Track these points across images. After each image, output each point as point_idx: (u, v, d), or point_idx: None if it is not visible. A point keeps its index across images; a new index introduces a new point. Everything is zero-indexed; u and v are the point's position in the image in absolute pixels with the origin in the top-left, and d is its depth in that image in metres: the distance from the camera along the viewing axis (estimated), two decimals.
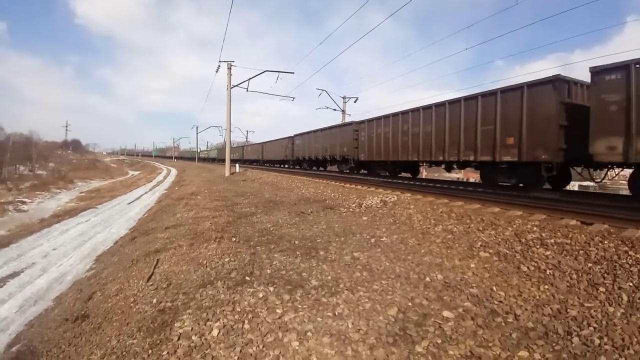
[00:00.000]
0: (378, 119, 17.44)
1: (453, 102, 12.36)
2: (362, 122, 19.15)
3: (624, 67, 7.50)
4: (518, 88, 9.92)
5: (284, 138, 33.68)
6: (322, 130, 24.88)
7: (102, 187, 37.70)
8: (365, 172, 20.80)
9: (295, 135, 30.26)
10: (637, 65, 7.31)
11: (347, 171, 21.56)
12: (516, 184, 10.67)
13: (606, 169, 9.63)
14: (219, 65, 26.05)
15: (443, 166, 13.97)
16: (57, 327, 5.33)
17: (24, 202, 24.93)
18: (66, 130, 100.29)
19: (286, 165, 33.78)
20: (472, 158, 11.66)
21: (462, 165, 13.07)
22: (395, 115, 15.97)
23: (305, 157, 27.84)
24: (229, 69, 25.55)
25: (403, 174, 17.90)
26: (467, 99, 11.72)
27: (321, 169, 27.17)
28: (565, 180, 11.03)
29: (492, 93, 10.71)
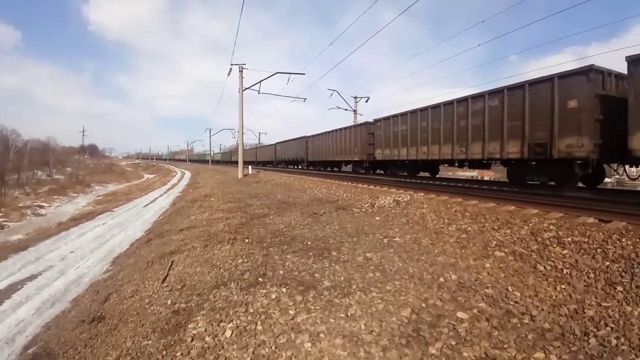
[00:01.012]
0: (395, 116, 16.91)
1: (476, 97, 11.86)
2: (378, 120, 18.63)
3: None
4: (548, 80, 9.35)
5: (297, 139, 33.49)
6: (336, 131, 24.78)
7: (119, 190, 38.31)
8: (381, 172, 20.44)
9: (309, 136, 30.16)
10: None
11: (363, 171, 21.23)
12: (546, 182, 10.21)
13: None
14: (231, 69, 26.23)
15: (466, 164, 13.36)
16: (73, 329, 5.42)
17: (42, 206, 25.48)
18: (83, 135, 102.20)
19: (299, 167, 33.67)
20: (497, 156, 11.14)
21: (487, 163, 12.48)
22: (413, 112, 15.44)
23: (319, 158, 27.73)
24: (241, 72, 25.69)
25: (421, 174, 17.55)
26: (492, 93, 11.18)
27: (335, 169, 27.04)
28: (600, 177, 10.47)
29: (520, 86, 10.19)
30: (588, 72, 8.51)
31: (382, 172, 20.44)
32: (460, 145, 12.58)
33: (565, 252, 4.80)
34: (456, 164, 13.89)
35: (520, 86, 10.18)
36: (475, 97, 11.90)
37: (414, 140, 15.29)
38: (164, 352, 3.33)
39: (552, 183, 10.10)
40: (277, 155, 40.38)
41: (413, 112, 15.46)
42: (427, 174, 17.37)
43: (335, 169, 27.21)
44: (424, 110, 14.69)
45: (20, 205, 24.63)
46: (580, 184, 10.34)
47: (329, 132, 25.92)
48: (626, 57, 7.64)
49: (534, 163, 10.37)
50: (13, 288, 8.98)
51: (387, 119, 17.68)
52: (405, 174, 17.29)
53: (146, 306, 4.78)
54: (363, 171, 21.31)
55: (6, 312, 7.60)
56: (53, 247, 13.19)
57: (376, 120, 18.95)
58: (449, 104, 13.18)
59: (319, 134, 27.91)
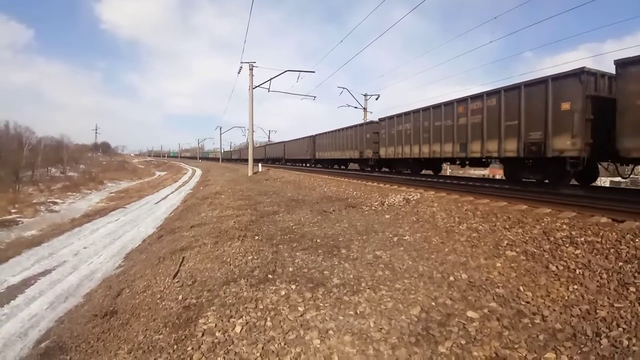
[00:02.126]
0: (399, 115, 17.21)
1: (475, 98, 12.16)
2: (383, 119, 18.98)
3: None
4: (542, 82, 9.74)
5: (305, 137, 34.18)
6: (342, 129, 25.17)
7: (131, 187, 38.76)
8: (386, 170, 20.84)
9: (317, 135, 30.77)
10: None
11: (369, 169, 21.70)
12: (541, 180, 10.60)
13: (633, 165, 9.49)
14: (241, 67, 26.34)
15: (467, 163, 13.75)
16: (86, 323, 5.50)
17: (55, 203, 25.89)
18: (96, 133, 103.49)
19: (307, 164, 34.09)
20: (495, 154, 11.50)
21: (486, 162, 12.89)
22: (416, 111, 15.76)
23: (326, 156, 28.23)
24: (251, 70, 25.78)
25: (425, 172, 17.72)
26: (490, 93, 11.54)
27: (342, 167, 27.51)
28: (592, 176, 10.81)
29: (516, 87, 10.55)
30: (580, 74, 8.89)
31: (387, 169, 20.89)
32: (461, 144, 12.90)
33: (578, 252, 4.74)
34: (457, 162, 14.26)
35: (516, 87, 10.59)
36: (474, 98, 12.22)
37: (417, 139, 15.64)
38: (175, 347, 3.37)
39: (547, 181, 10.48)
40: (286, 153, 41.24)
41: (416, 111, 15.80)
42: (430, 172, 17.68)
43: (342, 166, 27.70)
44: (426, 109, 15.02)
45: (34, 201, 25.05)
46: (575, 182, 10.84)
47: (335, 131, 26.39)
48: (615, 61, 8.01)
49: (529, 162, 10.77)
50: (27, 283, 9.14)
51: (391, 118, 18.01)
52: (409, 171, 17.58)
53: (158, 301, 4.83)
54: (369, 169, 21.80)
55: (19, 307, 7.74)
56: (66, 242, 13.40)
57: (381, 119, 19.33)
58: (449, 104, 13.49)
59: (325, 133, 28.51)
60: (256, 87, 26.36)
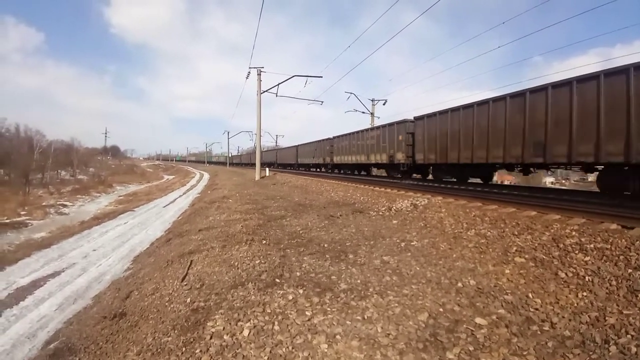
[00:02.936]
0: (442, 112, 15.06)
1: (558, 86, 10.02)
2: (421, 117, 16.59)
3: None
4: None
5: (321, 140, 31.85)
6: (366, 130, 23.23)
7: (139, 190, 39.04)
8: (418, 176, 19.07)
9: (335, 137, 28.53)
10: None
11: (399, 176, 19.19)
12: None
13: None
14: (249, 72, 26.52)
15: (534, 169, 11.87)
16: (95, 325, 5.55)
17: (65, 205, 26.13)
18: (105, 136, 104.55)
19: (323, 169, 32.23)
20: (592, 159, 9.21)
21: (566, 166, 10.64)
22: (467, 107, 13.50)
23: (345, 161, 26.14)
24: (259, 75, 25.96)
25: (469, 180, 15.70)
26: (556, 86, 9.93)
27: (363, 173, 25.28)
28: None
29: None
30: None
31: (419, 176, 19.10)
32: (537, 145, 10.66)
33: (587, 258, 4.70)
34: (519, 169, 12.19)
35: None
36: (557, 86, 10.12)
37: (468, 141, 13.41)
38: (184, 349, 3.39)
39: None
40: (299, 157, 39.18)
41: (467, 106, 13.53)
42: (479, 181, 15.33)
43: (362, 172, 25.48)
44: (482, 104, 12.81)
45: (44, 204, 25.30)
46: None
47: (357, 132, 24.31)
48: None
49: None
50: (36, 284, 9.24)
51: (431, 116, 15.78)
52: (453, 179, 15.53)
53: (166, 304, 4.87)
54: (400, 175, 19.16)
55: (29, 308, 7.82)
56: (76, 245, 13.53)
57: (417, 118, 17.06)
58: (518, 95, 11.35)
59: (345, 135, 26.29)
60: (264, 92, 26.52)
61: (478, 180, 15.25)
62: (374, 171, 25.06)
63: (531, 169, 11.92)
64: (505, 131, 11.75)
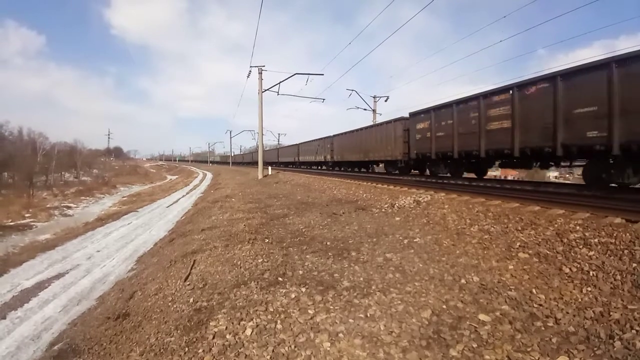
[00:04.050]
0: (436, 108, 14.77)
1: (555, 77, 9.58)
2: (415, 114, 16.42)
3: None
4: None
5: (322, 138, 32.16)
6: (365, 128, 23.47)
7: (143, 191, 39.19)
8: (416, 172, 19.18)
9: (335, 135, 28.78)
10: None
11: (397, 172, 19.65)
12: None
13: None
14: (250, 71, 26.49)
15: (537, 164, 11.28)
16: (99, 326, 5.57)
17: (69, 207, 26.27)
18: (108, 138, 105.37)
19: (324, 167, 32.43)
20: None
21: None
22: (461, 102, 13.32)
23: (346, 159, 26.37)
24: (260, 73, 25.92)
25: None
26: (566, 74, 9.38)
27: (363, 170, 25.16)
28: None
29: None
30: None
31: (417, 172, 19.20)
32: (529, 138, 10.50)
33: (591, 253, 4.66)
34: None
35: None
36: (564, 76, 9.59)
37: (462, 136, 13.25)
38: (187, 349, 3.40)
39: None
40: (300, 156, 39.38)
41: (460, 102, 13.45)
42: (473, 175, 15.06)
43: (362, 169, 25.36)
44: (473, 99, 12.69)
45: (48, 206, 25.44)
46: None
47: (356, 130, 24.59)
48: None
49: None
50: (40, 286, 9.30)
51: (426, 112, 15.63)
52: (447, 174, 15.28)
53: (169, 304, 4.88)
54: (397, 172, 19.63)
55: (33, 310, 7.87)
56: (80, 246, 13.60)
57: (412, 115, 16.92)
58: (502, 91, 11.35)
59: (345, 133, 26.53)
60: (265, 90, 26.49)
61: (472, 175, 15.12)
62: (374, 168, 25.14)
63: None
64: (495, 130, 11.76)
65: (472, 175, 15.08)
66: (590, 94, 8.64)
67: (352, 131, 25.29)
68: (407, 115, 17.72)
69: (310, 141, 36.37)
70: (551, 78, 9.72)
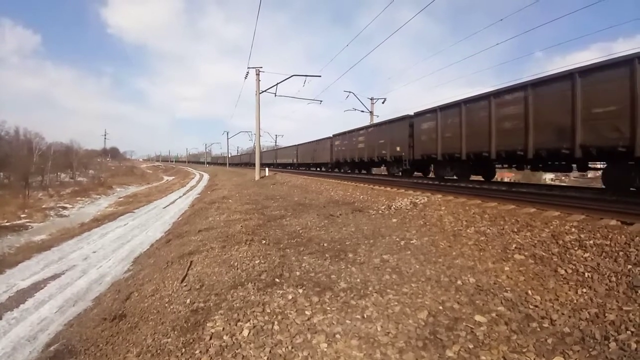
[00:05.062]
0: (443, 108, 14.22)
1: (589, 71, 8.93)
2: (421, 114, 15.85)
3: None
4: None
5: (321, 139, 31.23)
6: (367, 127, 22.55)
7: (139, 192, 39.08)
8: (419, 174, 18.56)
9: (335, 135, 27.63)
10: None
11: (400, 174, 18.76)
12: None
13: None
14: (248, 72, 26.50)
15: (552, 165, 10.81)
16: (95, 327, 5.56)
17: (65, 208, 26.13)
18: (105, 138, 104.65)
19: (323, 169, 31.48)
20: None
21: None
22: (470, 101, 12.75)
23: (347, 159, 25.04)
24: (258, 75, 25.94)
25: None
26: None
27: (363, 172, 24.23)
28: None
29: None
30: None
31: (420, 174, 18.59)
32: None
33: (586, 255, 4.70)
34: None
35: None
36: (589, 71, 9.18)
37: (472, 135, 12.64)
38: (183, 350, 3.40)
39: None
40: (299, 157, 38.45)
41: (469, 100, 12.81)
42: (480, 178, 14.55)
43: (363, 171, 24.47)
44: (483, 98, 12.14)
45: (43, 206, 25.31)
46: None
47: (358, 130, 23.56)
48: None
49: None
50: (36, 287, 9.25)
51: (431, 112, 15.01)
52: (454, 176, 14.55)
53: (166, 305, 4.87)
54: (400, 173, 18.74)
55: (29, 310, 7.83)
56: (76, 247, 13.54)
57: (417, 114, 16.27)
58: (515, 89, 10.98)
59: (345, 133, 25.35)
60: (263, 92, 26.50)
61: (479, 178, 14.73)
62: (375, 169, 24.75)
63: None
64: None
65: (475, 177, 14.71)
66: (611, 93, 8.26)
67: (353, 130, 24.34)
68: (412, 114, 17.06)
69: (309, 142, 35.54)
70: (568, 75, 9.25)
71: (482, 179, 14.54)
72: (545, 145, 9.98)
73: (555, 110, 9.60)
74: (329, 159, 28.95)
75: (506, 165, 13.09)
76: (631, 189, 8.61)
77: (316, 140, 32.95)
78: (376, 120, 29.59)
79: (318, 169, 33.33)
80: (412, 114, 16.96)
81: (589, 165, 10.30)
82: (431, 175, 17.61)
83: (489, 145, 11.78)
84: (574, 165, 10.27)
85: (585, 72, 8.96)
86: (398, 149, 18.07)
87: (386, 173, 21.79)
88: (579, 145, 8.99)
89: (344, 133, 25.60)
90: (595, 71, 8.73)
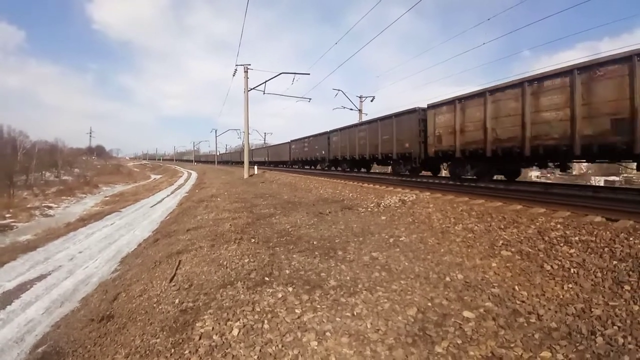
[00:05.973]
0: (463, 98, 12.68)
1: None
2: (435, 106, 14.17)
3: None
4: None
5: (317, 135, 29.13)
6: (369, 122, 20.63)
7: (126, 191, 38.60)
8: (429, 174, 17.26)
9: (332, 131, 25.79)
10: None
11: (408, 172, 17.05)
12: None
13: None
14: (236, 69, 26.37)
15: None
16: (83, 328, 5.48)
17: (50, 207, 25.72)
18: (90, 136, 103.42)
19: (318, 167, 29.89)
20: None
21: None
22: (497, 90, 11.26)
23: (345, 157, 23.28)
24: (246, 72, 25.81)
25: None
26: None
27: (363, 170, 22.95)
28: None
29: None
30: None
31: (430, 173, 17.30)
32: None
33: (572, 251, 4.78)
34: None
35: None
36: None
37: (501, 129, 11.19)
38: (173, 350, 3.37)
39: None
40: (292, 154, 35.99)
41: (500, 89, 11.25)
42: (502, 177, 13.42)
43: (363, 169, 23.05)
44: (515, 85, 10.64)
45: (28, 206, 24.89)
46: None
47: (357, 125, 22.15)
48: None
49: None
50: (22, 288, 9.09)
51: (449, 103, 13.43)
52: (474, 176, 13.02)
53: (154, 305, 4.82)
54: (408, 172, 17.05)
55: (15, 312, 7.70)
56: (62, 247, 13.33)
57: (430, 107, 14.54)
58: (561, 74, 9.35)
59: (344, 128, 23.68)
60: (251, 89, 26.40)
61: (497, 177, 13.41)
62: (376, 167, 23.55)
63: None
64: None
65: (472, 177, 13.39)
66: None
67: (352, 126, 22.89)
68: (424, 106, 15.25)
69: (303, 138, 33.10)
70: (629, 57, 7.84)
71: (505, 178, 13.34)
72: (597, 141, 8.53)
73: (611, 98, 8.15)
74: (325, 156, 27.31)
75: (537, 164, 11.64)
76: None
77: (312, 136, 30.61)
78: (365, 119, 28.70)
79: (312, 167, 31.57)
80: (424, 106, 15.18)
81: None
82: (444, 174, 16.49)
83: (522, 140, 10.38)
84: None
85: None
86: (407, 145, 16.48)
87: (390, 172, 20.31)
88: None
89: (343, 128, 24.12)
90: None
